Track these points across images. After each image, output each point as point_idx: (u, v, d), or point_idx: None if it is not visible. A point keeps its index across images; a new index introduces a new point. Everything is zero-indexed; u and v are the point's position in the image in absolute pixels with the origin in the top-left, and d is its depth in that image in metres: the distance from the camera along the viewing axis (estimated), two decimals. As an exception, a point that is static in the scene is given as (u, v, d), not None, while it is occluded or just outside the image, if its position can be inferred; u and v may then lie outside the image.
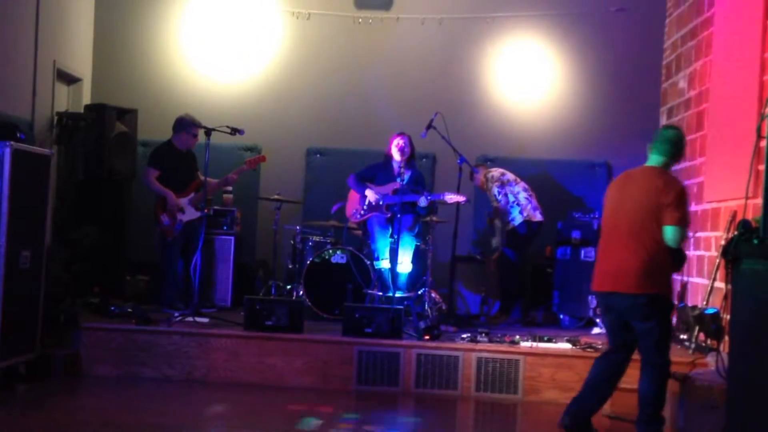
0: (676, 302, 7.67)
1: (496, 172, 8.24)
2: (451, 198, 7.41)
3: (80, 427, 5.20)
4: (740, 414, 4.40)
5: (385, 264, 7.60)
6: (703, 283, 7.06)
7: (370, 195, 7.79)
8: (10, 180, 5.80)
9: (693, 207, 7.59)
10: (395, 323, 6.64)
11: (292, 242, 8.05)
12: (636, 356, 6.34)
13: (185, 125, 7.67)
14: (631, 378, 6.21)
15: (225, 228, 8.26)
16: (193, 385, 6.44)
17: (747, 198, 5.40)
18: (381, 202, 7.76)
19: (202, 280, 7.40)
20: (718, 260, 6.50)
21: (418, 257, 7.79)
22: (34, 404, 5.77)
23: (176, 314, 7.03)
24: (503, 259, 8.20)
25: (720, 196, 6.80)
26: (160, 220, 7.58)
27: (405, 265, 7.61)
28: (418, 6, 9.16)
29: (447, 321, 7.39)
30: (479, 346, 6.52)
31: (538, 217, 8.11)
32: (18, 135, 6.12)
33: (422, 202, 7.49)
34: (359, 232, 8.06)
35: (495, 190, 8.13)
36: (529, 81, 9.16)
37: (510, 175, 8.21)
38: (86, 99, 8.95)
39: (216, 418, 5.71)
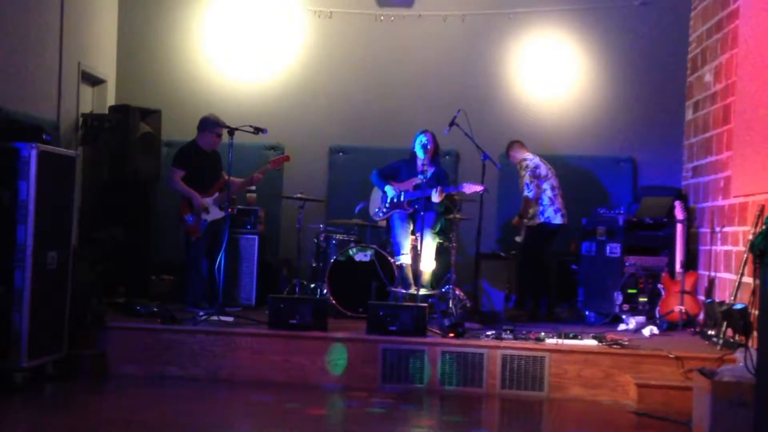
0: (703, 298, 7.62)
1: (531, 161, 8.20)
2: (470, 188, 7.36)
3: (107, 426, 5.22)
4: (770, 410, 4.35)
5: (405, 259, 7.59)
6: (730, 279, 6.99)
7: (390, 191, 7.79)
8: (36, 181, 5.85)
9: (720, 201, 7.53)
10: (420, 321, 6.62)
11: (315, 241, 8.06)
12: (655, 352, 6.33)
13: (210, 125, 7.70)
14: (658, 374, 6.20)
15: (249, 227, 8.28)
16: (218, 383, 6.45)
17: (775, 192, 5.35)
18: (402, 198, 7.76)
19: (226, 279, 7.41)
20: (745, 255, 6.44)
21: (442, 255, 7.78)
22: (61, 403, 5.82)
23: (201, 313, 7.05)
24: (525, 256, 8.17)
25: (747, 190, 6.73)
26: (184, 220, 7.61)
27: (428, 262, 7.59)
28: (440, 3, 9.13)
29: (471, 318, 7.36)
30: (504, 343, 6.49)
31: (558, 220, 8.10)
32: (44, 137, 6.17)
33: (434, 196, 7.46)
34: (384, 223, 8.04)
35: (526, 179, 8.10)
36: (552, 77, 9.11)
37: (543, 170, 8.17)
38: (110, 100, 9.01)
39: (242, 417, 5.72)
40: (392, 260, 7.60)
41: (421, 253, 7.49)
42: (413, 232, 7.61)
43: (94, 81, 8.84)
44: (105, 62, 8.98)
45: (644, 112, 8.95)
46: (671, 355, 6.24)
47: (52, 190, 6.10)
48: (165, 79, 9.22)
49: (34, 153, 5.84)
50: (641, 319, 7.48)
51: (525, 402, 6.27)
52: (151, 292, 8.27)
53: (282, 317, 6.68)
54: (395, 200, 7.80)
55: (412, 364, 6.45)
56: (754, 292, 5.48)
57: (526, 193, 8.10)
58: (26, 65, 7.25)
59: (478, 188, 7.34)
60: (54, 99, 7.75)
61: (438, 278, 7.77)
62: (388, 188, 7.82)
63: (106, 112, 8.61)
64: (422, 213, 7.34)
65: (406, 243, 7.63)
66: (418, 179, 7.62)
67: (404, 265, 7.61)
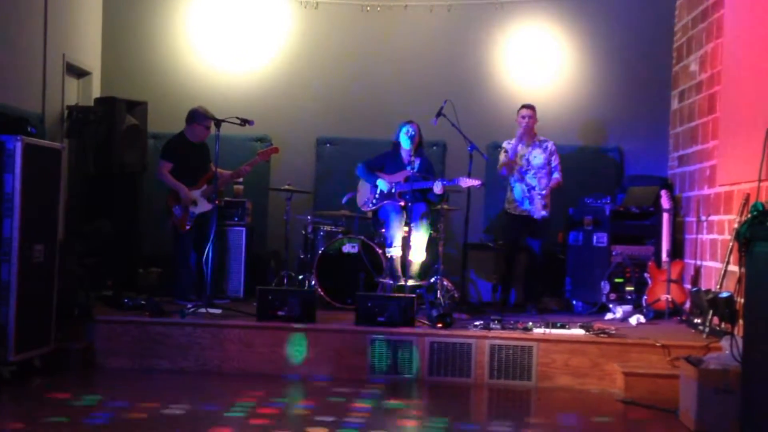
0: (689, 287, 7.66)
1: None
2: (466, 182, 7.37)
3: (96, 419, 5.21)
4: (756, 397, 4.39)
5: (396, 251, 7.59)
6: (716, 267, 7.03)
7: (383, 184, 7.78)
8: (21, 174, 5.81)
9: (706, 190, 7.56)
10: (408, 312, 6.64)
11: (303, 232, 8.06)
12: (642, 340, 6.37)
13: (198, 117, 7.67)
14: (645, 362, 6.25)
15: (236, 219, 8.27)
16: (207, 376, 6.45)
17: (760, 181, 5.39)
18: (393, 190, 7.75)
19: (214, 271, 7.39)
20: (731, 244, 6.48)
21: (429, 245, 7.79)
22: (49, 397, 5.80)
23: (189, 305, 7.04)
24: (530, 250, 8.16)
25: (733, 179, 6.77)
26: (172, 212, 7.60)
27: (419, 253, 7.60)
28: (427, -7, 9.13)
29: (459, 309, 7.39)
30: (492, 334, 6.51)
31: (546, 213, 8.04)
32: (29, 129, 6.13)
33: (437, 188, 7.46)
34: (370, 214, 8.03)
35: (557, 161, 8.02)
36: (539, 67, 9.12)
37: None
38: (96, 92, 8.96)
39: (231, 409, 5.72)
40: (381, 252, 7.59)
41: (411, 244, 7.49)
42: (406, 224, 7.62)
43: (79, 73, 8.79)
44: (90, 54, 8.92)
45: (630, 101, 8.98)
46: (658, 344, 6.28)
47: (38, 183, 6.07)
48: (151, 71, 9.17)
49: (19, 146, 5.81)
50: (628, 308, 7.52)
51: (513, 391, 6.30)
52: (138, 284, 8.24)
53: (270, 309, 6.68)
54: (386, 192, 7.79)
55: (400, 355, 6.47)
56: (739, 281, 5.53)
57: (556, 176, 8.00)
58: (10, 57, 7.19)
59: (475, 183, 7.35)
60: (39, 91, 7.70)
61: (426, 269, 7.78)
62: (380, 182, 7.80)
63: (92, 104, 8.55)
64: (410, 204, 7.35)
65: (399, 235, 7.62)
66: (408, 171, 7.61)
67: (395, 256, 7.61)
